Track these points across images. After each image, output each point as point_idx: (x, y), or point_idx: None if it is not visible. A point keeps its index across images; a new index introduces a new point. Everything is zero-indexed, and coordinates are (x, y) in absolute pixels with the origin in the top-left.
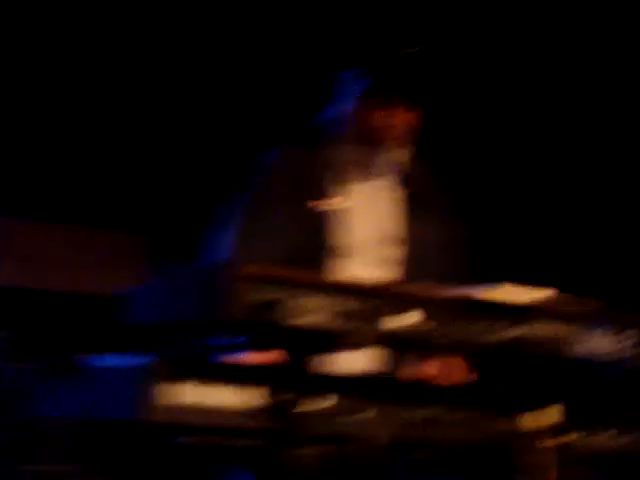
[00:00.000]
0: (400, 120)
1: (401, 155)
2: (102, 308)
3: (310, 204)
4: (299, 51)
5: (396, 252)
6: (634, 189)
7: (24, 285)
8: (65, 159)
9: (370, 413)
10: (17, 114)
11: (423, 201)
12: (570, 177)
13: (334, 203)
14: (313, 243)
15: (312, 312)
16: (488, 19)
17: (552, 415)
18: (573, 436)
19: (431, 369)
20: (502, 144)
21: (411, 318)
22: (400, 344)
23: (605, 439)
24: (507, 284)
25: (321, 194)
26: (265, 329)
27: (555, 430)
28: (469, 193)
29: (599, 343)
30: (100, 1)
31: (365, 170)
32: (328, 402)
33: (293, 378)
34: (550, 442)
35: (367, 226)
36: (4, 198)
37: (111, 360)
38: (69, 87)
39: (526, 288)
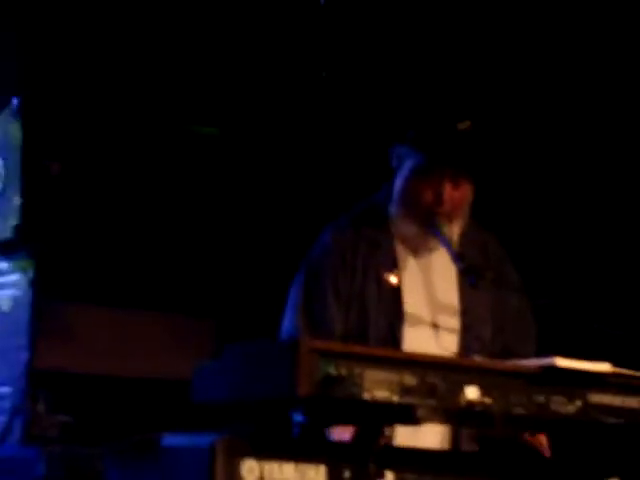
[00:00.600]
0: (450, 196)
1: (451, 231)
2: (170, 392)
3: (363, 280)
4: (352, 128)
5: (452, 321)
6: None
7: (89, 371)
8: (128, 243)
9: None
10: (73, 197)
11: (477, 275)
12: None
13: (388, 280)
14: (368, 320)
15: (381, 386)
16: (536, 94)
17: None
18: None
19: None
20: (558, 208)
21: (475, 392)
22: (468, 419)
23: None
24: (559, 357)
25: (375, 272)
26: (334, 403)
27: None
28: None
29: None
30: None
31: (418, 246)
32: (394, 478)
33: (367, 453)
34: None
35: (421, 298)
36: (70, 283)
37: (183, 439)
38: (128, 174)
39: (579, 361)
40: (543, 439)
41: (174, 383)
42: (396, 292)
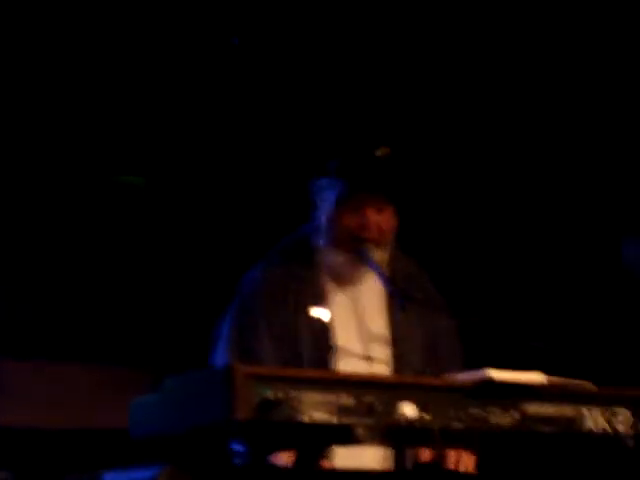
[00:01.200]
0: (374, 222)
1: (380, 256)
2: (108, 441)
3: (294, 316)
4: (271, 165)
5: (384, 352)
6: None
7: (23, 425)
8: (61, 297)
9: None
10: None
11: (407, 299)
12: (549, 263)
13: (318, 313)
14: (299, 354)
15: (319, 408)
16: (455, 118)
17: None
18: None
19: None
20: (482, 230)
21: (413, 410)
22: (407, 437)
23: None
24: (492, 369)
25: (305, 307)
26: (272, 428)
27: None
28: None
29: (594, 422)
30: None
31: (347, 275)
32: None
33: (301, 477)
34: None
35: (352, 330)
36: (3, 338)
37: (124, 475)
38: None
39: (512, 372)
40: (469, 460)
41: (112, 432)
42: (326, 326)
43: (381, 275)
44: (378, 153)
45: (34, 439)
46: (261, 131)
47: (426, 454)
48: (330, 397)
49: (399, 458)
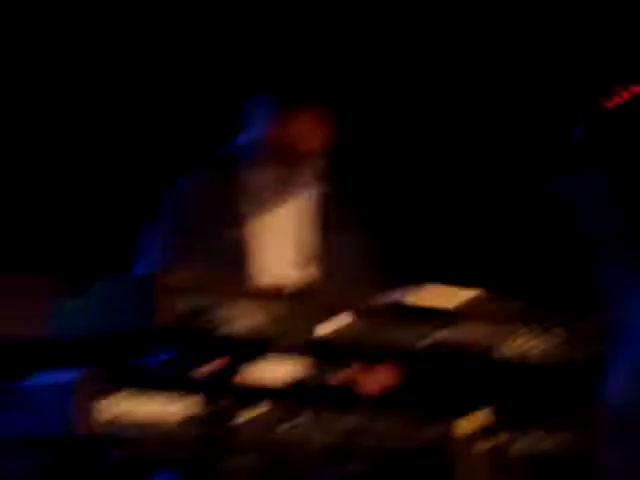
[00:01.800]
0: (310, 133)
1: (314, 169)
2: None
3: (226, 231)
4: (208, 78)
5: (314, 270)
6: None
7: None
8: None
9: (302, 421)
10: None
11: (338, 214)
12: (485, 171)
13: (250, 228)
14: (231, 271)
15: (241, 318)
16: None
17: (483, 418)
18: (504, 438)
19: (361, 375)
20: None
21: (339, 323)
22: (329, 350)
23: (536, 440)
24: (431, 286)
25: (237, 220)
26: (195, 336)
27: (486, 433)
28: (383, 198)
29: (526, 343)
30: None
31: (281, 190)
32: (260, 410)
33: (226, 387)
34: (482, 445)
35: (284, 248)
36: None
37: (42, 378)
38: None
39: (451, 289)
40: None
41: (32, 344)
42: (248, 247)
43: (315, 187)
44: (311, 64)
45: None
46: (196, 47)
47: (338, 378)
48: (251, 309)
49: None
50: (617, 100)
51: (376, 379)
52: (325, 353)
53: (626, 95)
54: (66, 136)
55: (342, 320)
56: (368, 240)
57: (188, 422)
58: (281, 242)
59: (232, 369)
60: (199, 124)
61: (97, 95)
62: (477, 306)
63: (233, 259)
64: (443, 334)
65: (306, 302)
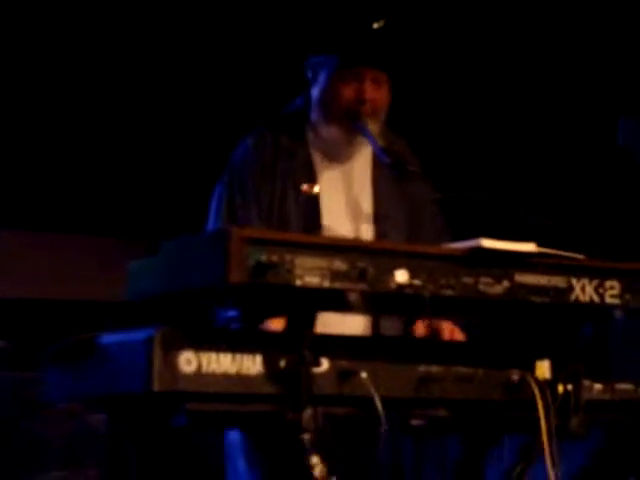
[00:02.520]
0: (370, 96)
1: (374, 130)
2: (103, 314)
3: (283, 190)
4: (269, 39)
5: (372, 229)
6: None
7: (18, 296)
8: (56, 167)
9: (372, 373)
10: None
11: (398, 173)
12: (532, 137)
13: (306, 190)
14: (291, 228)
15: (312, 272)
16: None
17: (546, 368)
18: (568, 387)
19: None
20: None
21: (405, 276)
22: (398, 304)
23: (599, 390)
24: (485, 239)
25: (293, 182)
26: (265, 291)
27: (550, 382)
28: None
29: (584, 293)
30: None
31: (339, 151)
32: (329, 364)
33: (299, 341)
34: (546, 394)
35: (341, 208)
36: None
37: (120, 336)
38: (50, 100)
39: (505, 242)
40: (455, 331)
41: (110, 305)
42: (314, 203)
43: (376, 146)
44: (375, 26)
45: (31, 310)
46: (260, 7)
47: (420, 329)
48: (323, 262)
49: (376, 328)
50: None
51: (450, 330)
52: (401, 303)
53: None
54: (144, 100)
55: (418, 268)
56: (428, 197)
57: (263, 377)
58: (336, 200)
59: (306, 323)
60: (264, 84)
61: (169, 61)
62: (547, 255)
63: (292, 216)
64: (522, 277)
65: (381, 253)
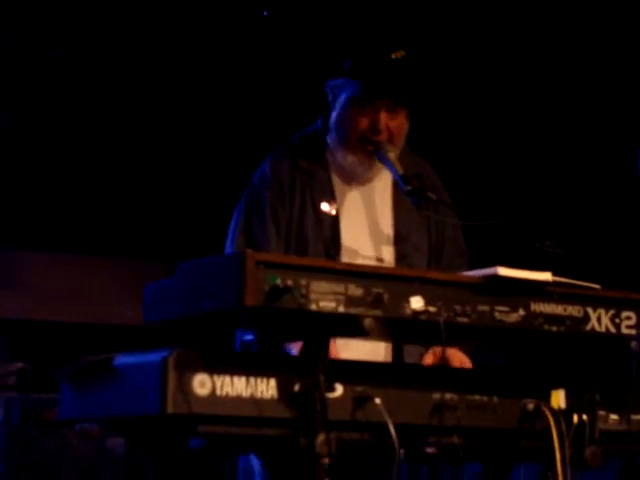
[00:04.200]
0: (386, 125)
1: (391, 157)
2: (123, 336)
3: (301, 212)
4: (288, 63)
5: (393, 250)
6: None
7: (38, 318)
8: (76, 190)
9: (391, 398)
10: (22, 146)
11: (421, 198)
12: (550, 164)
13: (325, 210)
14: (307, 250)
15: (327, 297)
16: (469, 22)
17: (561, 397)
18: (583, 417)
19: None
20: (489, 134)
21: (420, 303)
22: (413, 331)
23: (615, 421)
24: (502, 267)
25: (312, 202)
26: (280, 315)
27: (565, 412)
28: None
29: (600, 323)
30: None
31: (356, 174)
32: (343, 389)
33: (314, 365)
34: (560, 424)
35: (361, 230)
36: (18, 231)
37: (135, 357)
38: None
39: (521, 271)
40: (464, 359)
41: (127, 328)
42: (334, 222)
43: (395, 173)
44: (393, 55)
45: (51, 332)
46: (280, 28)
47: (429, 358)
48: (339, 287)
49: (398, 353)
50: None
51: (460, 358)
52: (416, 330)
53: None
54: (167, 125)
55: (434, 295)
56: (454, 217)
57: (276, 401)
58: (354, 223)
59: (321, 347)
60: (283, 108)
61: (191, 85)
62: (560, 283)
63: (309, 238)
64: (538, 306)
65: (396, 279)
